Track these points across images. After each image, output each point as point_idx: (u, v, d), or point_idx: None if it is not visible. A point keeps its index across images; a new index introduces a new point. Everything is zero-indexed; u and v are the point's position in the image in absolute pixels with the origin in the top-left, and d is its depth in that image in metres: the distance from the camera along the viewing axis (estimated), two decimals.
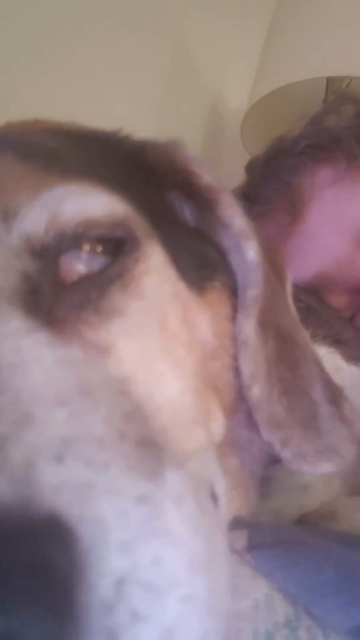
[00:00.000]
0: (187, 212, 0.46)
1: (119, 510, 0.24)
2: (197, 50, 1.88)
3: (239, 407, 0.44)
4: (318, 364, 0.48)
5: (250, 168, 0.88)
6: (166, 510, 0.26)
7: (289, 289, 0.54)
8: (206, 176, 0.44)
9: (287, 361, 0.44)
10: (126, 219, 0.36)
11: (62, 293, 0.34)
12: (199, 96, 1.92)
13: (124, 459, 0.26)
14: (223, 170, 1.94)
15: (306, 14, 1.48)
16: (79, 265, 0.35)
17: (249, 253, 0.43)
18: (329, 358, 0.64)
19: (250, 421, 0.43)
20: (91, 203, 0.34)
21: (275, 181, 0.83)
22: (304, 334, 0.50)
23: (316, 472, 0.42)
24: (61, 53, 1.45)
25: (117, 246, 0.36)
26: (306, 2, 1.50)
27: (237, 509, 0.43)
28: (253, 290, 0.43)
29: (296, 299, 0.63)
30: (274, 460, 0.49)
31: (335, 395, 0.47)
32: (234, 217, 0.44)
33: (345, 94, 1.16)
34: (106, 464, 0.25)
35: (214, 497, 0.35)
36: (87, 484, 0.24)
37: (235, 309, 0.44)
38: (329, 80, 1.50)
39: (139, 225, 0.37)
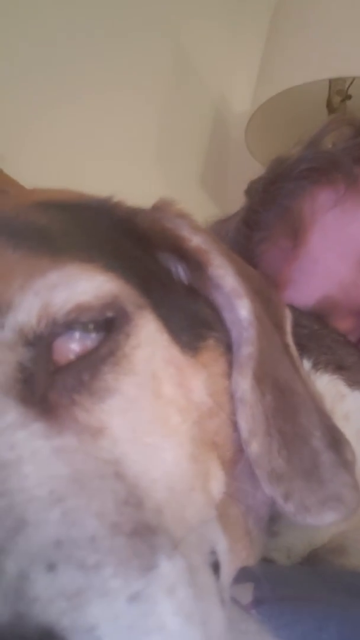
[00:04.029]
0: (180, 272, 0.47)
1: (111, 613, 0.25)
2: (199, 56, 1.87)
3: (240, 458, 0.45)
4: (317, 409, 0.48)
5: (249, 192, 0.88)
6: (158, 605, 0.27)
7: (288, 327, 0.54)
8: (195, 239, 0.44)
9: (285, 412, 0.45)
10: (116, 297, 0.37)
11: (55, 376, 0.35)
12: (202, 101, 1.91)
13: (116, 556, 0.27)
14: (228, 174, 1.93)
15: (305, 17, 1.47)
16: (71, 344, 0.36)
17: (241, 312, 0.44)
18: (332, 385, 0.64)
19: (253, 471, 0.43)
20: (81, 288, 0.35)
21: (275, 207, 0.83)
22: (303, 378, 0.50)
23: (321, 524, 0.43)
24: (62, 62, 1.45)
25: (109, 322, 0.37)
26: (305, 5, 1.49)
27: (242, 562, 0.44)
28: (247, 348, 0.44)
29: (299, 325, 0.63)
30: None
31: (336, 439, 0.47)
32: (225, 277, 0.44)
33: (341, 115, 1.15)
34: (98, 564, 0.26)
35: (214, 566, 0.36)
36: (78, 591, 0.25)
37: (230, 365, 0.45)
38: (332, 82, 1.48)
39: (130, 299, 0.38)
